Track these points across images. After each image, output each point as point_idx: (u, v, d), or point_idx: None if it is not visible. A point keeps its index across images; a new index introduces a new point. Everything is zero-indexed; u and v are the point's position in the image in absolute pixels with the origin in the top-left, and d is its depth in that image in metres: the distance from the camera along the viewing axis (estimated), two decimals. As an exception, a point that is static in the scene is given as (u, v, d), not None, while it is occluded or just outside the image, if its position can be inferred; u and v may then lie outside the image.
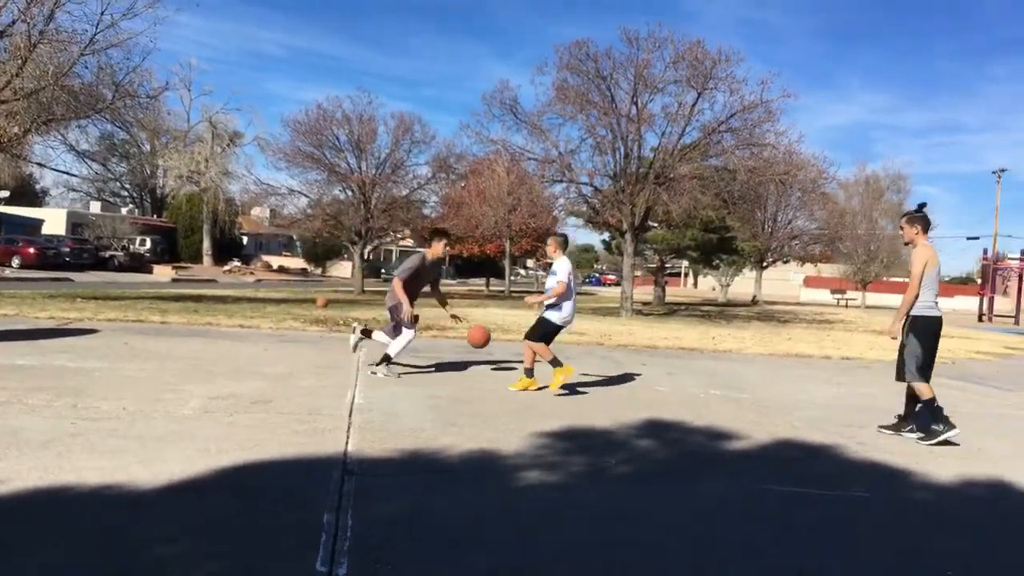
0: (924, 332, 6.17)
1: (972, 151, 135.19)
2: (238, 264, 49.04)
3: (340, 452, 4.73)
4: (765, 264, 39.20)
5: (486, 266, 45.02)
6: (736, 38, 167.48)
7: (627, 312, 21.65)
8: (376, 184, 29.32)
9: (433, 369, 8.92)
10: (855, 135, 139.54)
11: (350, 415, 5.85)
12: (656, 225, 28.86)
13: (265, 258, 57.41)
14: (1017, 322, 33.08)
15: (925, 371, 6.16)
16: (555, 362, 7.41)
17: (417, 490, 4.12)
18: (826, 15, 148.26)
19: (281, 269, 53.76)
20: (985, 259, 39.52)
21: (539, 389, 7.56)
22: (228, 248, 52.87)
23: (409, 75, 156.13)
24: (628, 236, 21.78)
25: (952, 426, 6.01)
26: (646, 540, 3.59)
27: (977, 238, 46.51)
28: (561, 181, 22.26)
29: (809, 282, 66.62)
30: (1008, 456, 5.85)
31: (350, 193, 29.64)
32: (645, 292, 39.05)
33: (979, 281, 42.57)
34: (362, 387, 7.16)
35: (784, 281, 64.33)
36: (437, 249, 8.51)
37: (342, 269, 56.21)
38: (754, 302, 39.08)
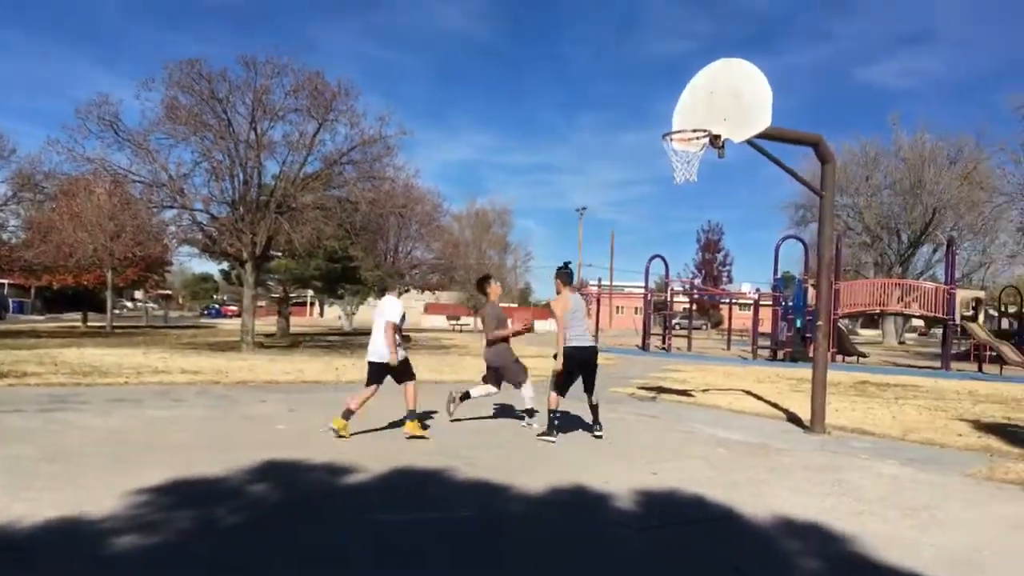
0: (566, 358, 8.11)
1: (562, 190, 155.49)
2: None
3: None
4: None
5: (83, 299, 39.81)
6: (357, 72, 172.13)
7: (248, 346, 20.75)
8: (-68, 202, 24.28)
9: (11, 424, 7.57)
10: (466, 171, 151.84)
11: None
12: (279, 255, 28.19)
13: None
14: (597, 340, 38.75)
15: (561, 388, 8.17)
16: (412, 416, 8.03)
17: (-26, 578, 3.45)
18: (439, 57, 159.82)
19: None
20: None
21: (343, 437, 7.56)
22: None
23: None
24: (249, 266, 20.96)
25: (553, 438, 7.93)
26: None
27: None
28: (172, 207, 20.62)
29: (430, 309, 70.54)
30: (586, 463, 6.75)
31: None
32: (269, 323, 37.87)
33: (568, 305, 49.00)
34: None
35: (408, 308, 67.32)
36: (497, 290, 9.14)
37: None
38: (378, 330, 40.15)
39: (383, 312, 7.98)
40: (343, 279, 34.74)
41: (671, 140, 8.94)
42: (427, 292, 52.66)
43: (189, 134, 19.55)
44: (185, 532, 4.26)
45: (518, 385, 8.85)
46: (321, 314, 75.71)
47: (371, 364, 7.97)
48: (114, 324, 34.84)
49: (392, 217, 26.76)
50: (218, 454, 6.37)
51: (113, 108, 19.24)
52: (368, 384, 8.00)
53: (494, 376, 8.88)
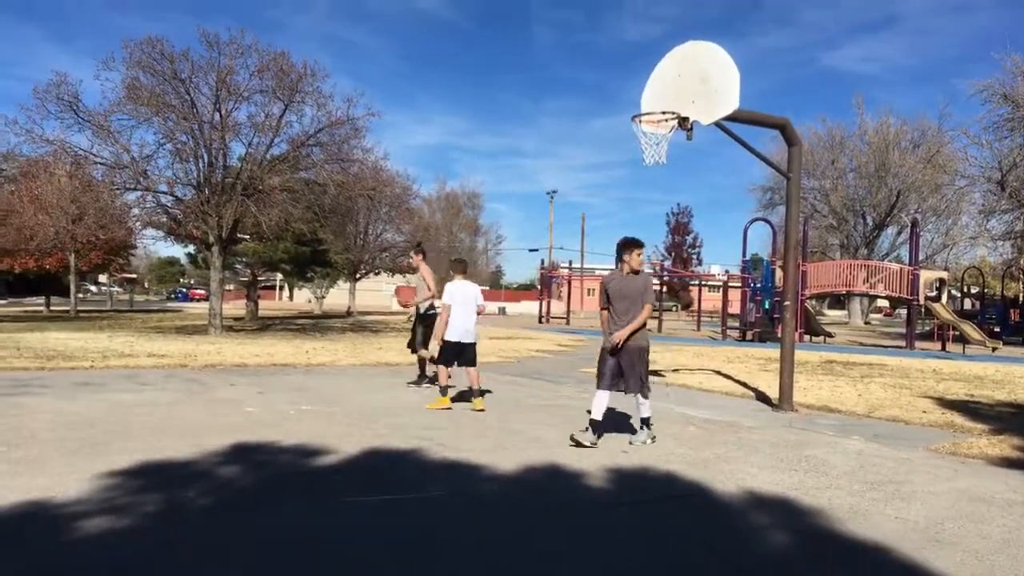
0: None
1: (531, 173, 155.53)
2: None
3: None
4: (358, 276, 40.26)
5: (45, 283, 38.98)
6: (323, 53, 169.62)
7: (216, 329, 20.50)
8: None
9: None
10: (436, 154, 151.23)
11: None
12: (246, 238, 27.84)
13: None
14: (568, 322, 38.80)
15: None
16: (443, 390, 8.61)
17: (-66, 565, 3.36)
18: (406, 39, 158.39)
19: None
20: (543, 268, 45.69)
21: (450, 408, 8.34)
22: None
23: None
24: (215, 249, 20.67)
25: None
26: (220, 569, 3.40)
27: (537, 250, 53.90)
28: (135, 189, 20.21)
29: (400, 292, 70.21)
30: (559, 441, 6.78)
31: None
32: (238, 307, 37.46)
33: (538, 288, 49.01)
34: None
35: (377, 292, 66.78)
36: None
37: None
38: (348, 313, 39.89)
39: (476, 296, 8.72)
40: (313, 262, 34.41)
41: (640, 122, 8.95)
42: (397, 275, 52.42)
43: (151, 115, 19.12)
44: (153, 515, 4.21)
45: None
46: (291, 297, 75.03)
47: (456, 344, 8.58)
48: (78, 308, 34.19)
49: (361, 200, 26.49)
50: (187, 438, 6.29)
51: (72, 88, 18.76)
52: (441, 362, 8.65)
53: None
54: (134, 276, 72.36)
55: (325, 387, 10.10)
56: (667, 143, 8.94)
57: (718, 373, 13.65)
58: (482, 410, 8.34)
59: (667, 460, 6.10)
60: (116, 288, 63.73)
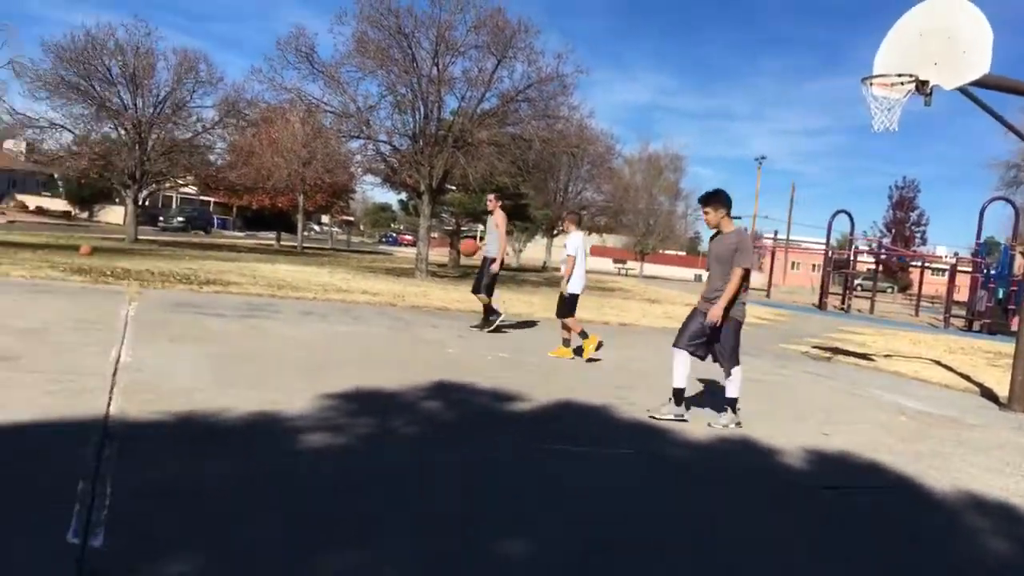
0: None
1: (740, 138, 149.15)
2: (-15, 203, 43.18)
3: (100, 415, 4.33)
4: (555, 232, 40.88)
5: (277, 220, 43.06)
6: (534, 8, 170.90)
7: (422, 273, 21.70)
8: (154, 124, 26.95)
9: (216, 327, 8.39)
10: (640, 114, 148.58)
11: (114, 374, 5.37)
12: (453, 188, 29.04)
13: (20, 197, 51.06)
14: (768, 295, 37.15)
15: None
16: (583, 333, 8.72)
17: (187, 456, 3.88)
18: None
19: (40, 211, 48.08)
20: (745, 238, 43.86)
21: (572, 358, 8.62)
22: (-28, 184, 46.38)
23: (196, 7, 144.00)
24: (425, 198, 21.76)
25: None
26: (422, 499, 3.64)
27: (739, 218, 51.67)
28: (359, 137, 21.70)
29: (594, 251, 70.38)
30: (754, 416, 6.55)
31: (123, 132, 27.02)
32: (441, 254, 39.36)
33: (738, 257, 47.20)
34: (130, 344, 6.59)
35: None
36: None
37: (113, 214, 51.35)
38: (544, 268, 40.71)
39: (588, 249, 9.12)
40: (513, 216, 35.27)
41: (871, 85, 8.25)
42: (593, 234, 52.56)
43: (376, 68, 20.33)
44: (365, 438, 4.57)
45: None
46: (489, 249, 77.52)
47: (579, 295, 9.02)
48: (303, 245, 37.56)
49: (564, 156, 26.74)
50: (394, 371, 6.75)
51: (309, 41, 20.37)
52: (571, 315, 8.94)
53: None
54: (351, 219, 78.08)
55: (520, 337, 10.41)
56: (900, 109, 8.19)
57: (937, 363, 12.51)
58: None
59: (873, 448, 5.70)
60: (335, 229, 69.13)
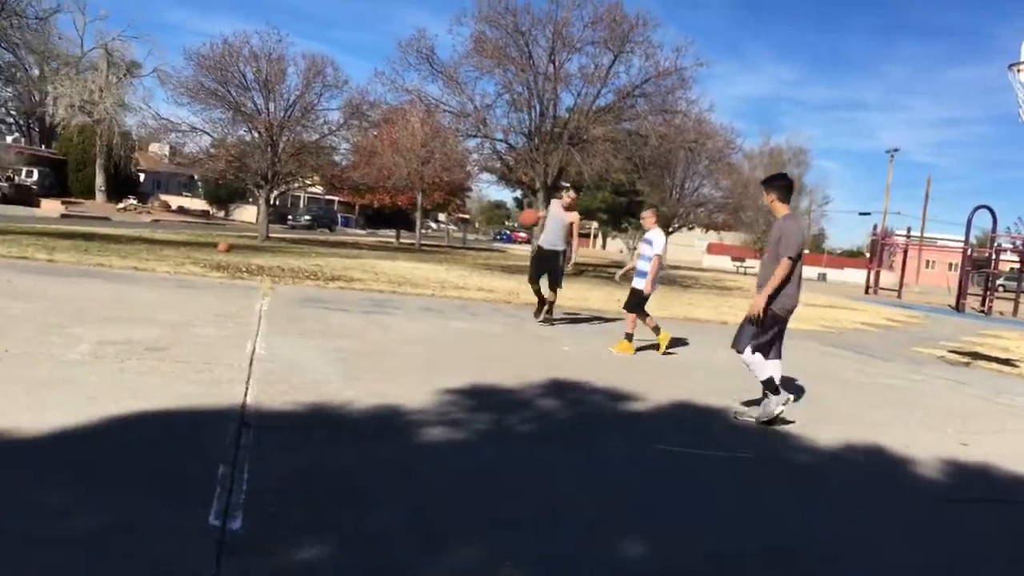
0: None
1: (869, 129, 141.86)
2: (134, 202, 46.67)
3: (238, 404, 4.62)
4: (671, 230, 40.11)
5: (397, 218, 44.43)
6: (653, 1, 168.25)
7: (536, 271, 21.83)
8: (284, 127, 28.34)
9: (341, 322, 8.76)
10: (762, 106, 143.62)
11: (250, 365, 5.70)
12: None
13: (164, 197, 54.79)
14: (899, 296, 35.16)
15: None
16: (656, 329, 8.77)
17: (318, 445, 4.08)
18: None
19: (181, 210, 51.50)
20: (874, 234, 41.55)
21: (636, 352, 8.49)
22: (123, 185, 50.21)
23: (322, 13, 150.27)
24: (540, 195, 21.88)
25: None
26: (540, 497, 3.68)
27: (868, 213, 49.34)
28: (476, 136, 22.12)
29: (712, 249, 68.82)
30: (884, 422, 6.24)
31: (256, 135, 28.56)
32: (554, 251, 39.33)
33: (868, 255, 44.90)
34: (264, 337, 6.98)
35: (689, 247, 66.22)
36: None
37: (247, 213, 54.36)
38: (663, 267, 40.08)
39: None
40: (627, 212, 35.00)
41: (1019, 71, 7.69)
42: (711, 232, 51.32)
43: (493, 67, 20.65)
44: (483, 433, 4.67)
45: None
46: (603, 246, 77.26)
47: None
48: (421, 242, 38.57)
49: (681, 152, 26.24)
50: (510, 367, 6.84)
51: (428, 42, 20.94)
52: (642, 310, 8.80)
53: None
54: (467, 216, 79.58)
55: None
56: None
57: (1093, 372, 11.48)
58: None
59: (1018, 461, 5.32)
60: (452, 226, 70.63)
